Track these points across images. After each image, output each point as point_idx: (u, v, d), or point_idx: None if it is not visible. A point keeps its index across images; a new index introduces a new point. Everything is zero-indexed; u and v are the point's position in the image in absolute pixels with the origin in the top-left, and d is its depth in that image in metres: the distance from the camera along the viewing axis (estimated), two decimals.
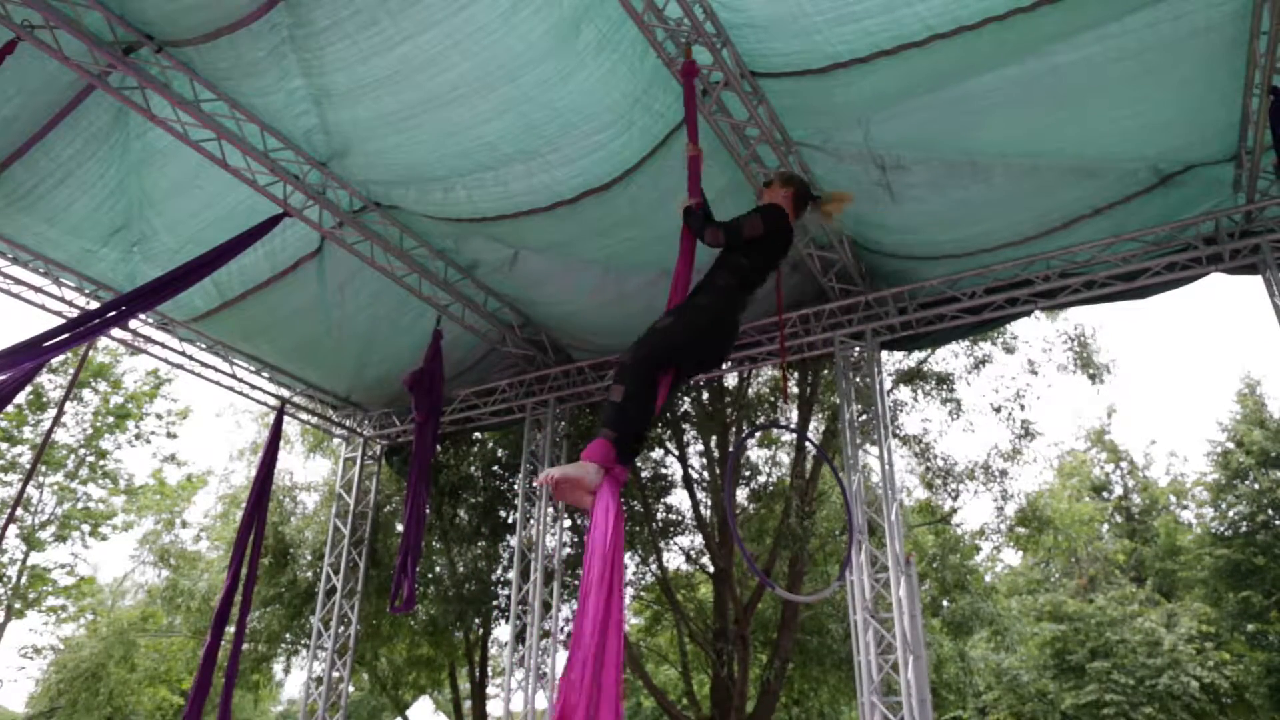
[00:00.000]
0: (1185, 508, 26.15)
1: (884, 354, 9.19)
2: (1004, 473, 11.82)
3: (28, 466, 15.67)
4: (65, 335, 6.82)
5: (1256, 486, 20.91)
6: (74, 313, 8.38)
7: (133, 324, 9.30)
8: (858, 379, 8.57)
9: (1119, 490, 26.38)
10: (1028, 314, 8.45)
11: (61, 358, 16.09)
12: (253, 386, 10.57)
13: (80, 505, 17.42)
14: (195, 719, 8.25)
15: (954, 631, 13.69)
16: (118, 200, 7.42)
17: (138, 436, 17.82)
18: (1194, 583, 22.97)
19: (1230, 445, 22.20)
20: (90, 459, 17.36)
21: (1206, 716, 18.45)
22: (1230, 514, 21.69)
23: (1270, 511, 19.93)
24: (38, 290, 8.46)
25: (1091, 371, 11.37)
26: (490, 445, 13.05)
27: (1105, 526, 24.75)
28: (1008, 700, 21.31)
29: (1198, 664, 17.86)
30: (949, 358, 11.88)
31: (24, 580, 16.66)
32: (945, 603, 14.12)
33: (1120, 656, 18.07)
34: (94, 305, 8.35)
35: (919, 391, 11.73)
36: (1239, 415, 22.47)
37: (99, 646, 18.20)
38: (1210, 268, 7.57)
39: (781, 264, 7.37)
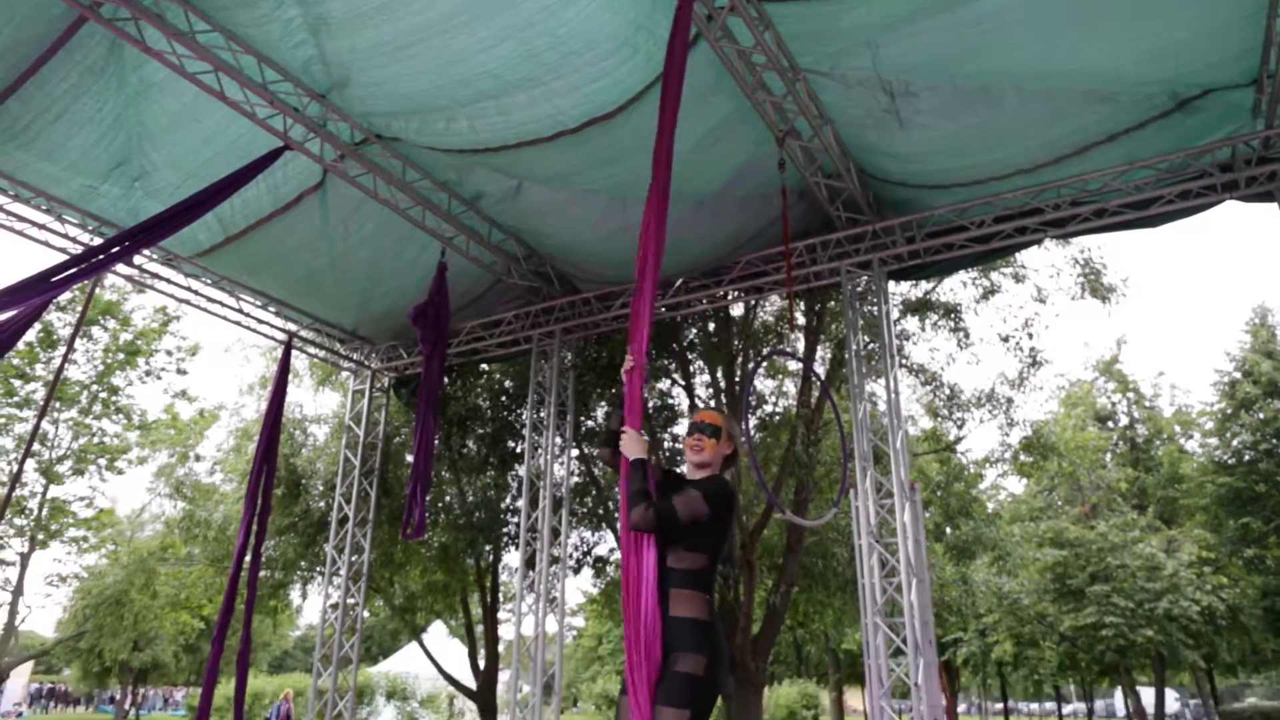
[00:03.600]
0: (1190, 437, 26.32)
1: (891, 284, 9.13)
2: (1010, 401, 11.87)
3: (42, 402, 15.85)
4: (71, 270, 6.82)
5: (1261, 416, 20.98)
6: (78, 249, 8.37)
7: (138, 260, 9.31)
8: (864, 308, 8.55)
9: (1124, 420, 26.52)
10: (1037, 243, 8.38)
11: (69, 295, 16.17)
12: (259, 321, 10.62)
13: (95, 440, 17.68)
14: (220, 641, 8.53)
15: (957, 556, 13.93)
16: (116, 135, 7.34)
17: (148, 373, 17.99)
18: (1195, 510, 23.26)
19: (1238, 375, 22.21)
20: (103, 395, 17.55)
21: (1202, 637, 18.88)
22: (1234, 443, 21.82)
23: (1274, 440, 20.05)
24: (41, 227, 8.44)
25: (1102, 294, 11.29)
26: (497, 376, 13.14)
27: (1109, 455, 24.96)
28: (1007, 622, 21.83)
29: (1196, 588, 18.19)
30: (957, 288, 11.83)
31: (45, 512, 17.01)
32: (949, 529, 14.33)
33: (1120, 581, 18.42)
34: (98, 241, 8.34)
35: (926, 322, 11.71)
36: (1248, 346, 22.42)
37: (121, 575, 18.71)
38: (1225, 195, 7.46)
39: (788, 194, 7.28)
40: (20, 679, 35.88)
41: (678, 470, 3.52)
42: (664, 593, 3.09)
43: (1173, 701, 47.35)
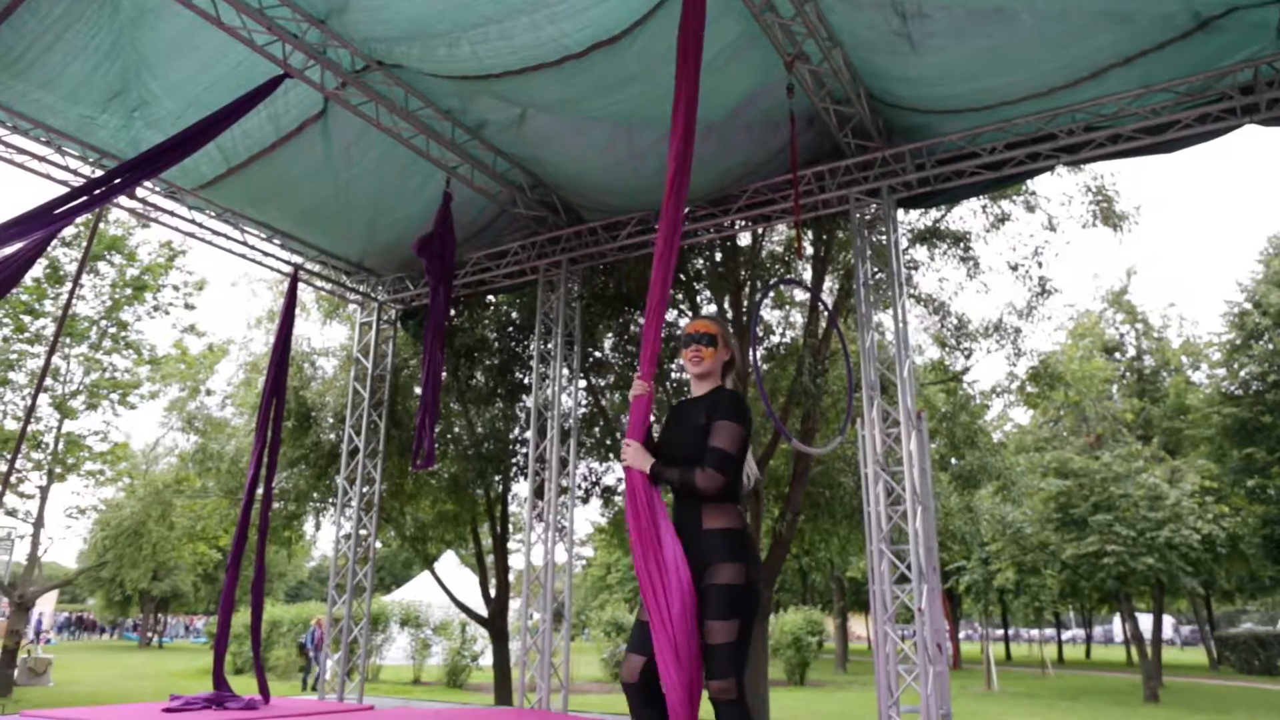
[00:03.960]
0: (1197, 368, 26.32)
1: (900, 213, 9.05)
2: (1018, 331, 11.83)
3: (51, 338, 15.94)
4: (74, 203, 6.79)
5: (1270, 346, 20.93)
6: (79, 182, 8.31)
7: (141, 193, 9.26)
8: (873, 237, 8.48)
9: (1131, 351, 26.48)
10: (1049, 169, 8.24)
11: (74, 230, 16.13)
12: (265, 254, 10.59)
13: (107, 375, 17.81)
14: (235, 571, 8.74)
15: (962, 485, 14.06)
16: (113, 63, 7.22)
17: (156, 308, 18.02)
18: (1200, 440, 23.40)
19: (1248, 306, 22.10)
20: (112, 330, 17.62)
21: (1201, 565, 19.15)
22: (1241, 374, 21.82)
23: None
24: (41, 160, 8.37)
25: (1114, 222, 11.16)
26: (504, 308, 13.14)
27: (1115, 387, 24.99)
28: (1010, 551, 22.16)
29: (1198, 517, 18.38)
30: (966, 216, 11.69)
31: (61, 446, 17.24)
32: (954, 460, 14.44)
33: (1123, 510, 18.61)
34: (99, 174, 8.27)
35: (934, 251, 11.61)
36: (1260, 276, 22.25)
37: (138, 507, 19.05)
38: (1245, 119, 7.29)
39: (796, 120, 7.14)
40: (46, 608, 36.91)
41: (686, 399, 3.49)
42: (696, 510, 3.15)
43: (1169, 627, 48.36)
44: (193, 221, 9.78)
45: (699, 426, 3.22)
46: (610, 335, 12.77)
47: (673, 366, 11.97)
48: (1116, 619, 47.03)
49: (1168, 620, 41.41)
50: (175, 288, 18.10)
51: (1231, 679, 24.52)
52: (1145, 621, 22.71)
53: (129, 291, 17.40)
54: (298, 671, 22.24)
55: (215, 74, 7.31)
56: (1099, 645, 51.44)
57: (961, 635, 43.89)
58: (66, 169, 8.47)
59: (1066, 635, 51.35)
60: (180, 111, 7.58)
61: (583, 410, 12.22)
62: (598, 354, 12.79)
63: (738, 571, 3.06)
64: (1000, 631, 41.64)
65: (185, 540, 20.35)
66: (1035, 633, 41.53)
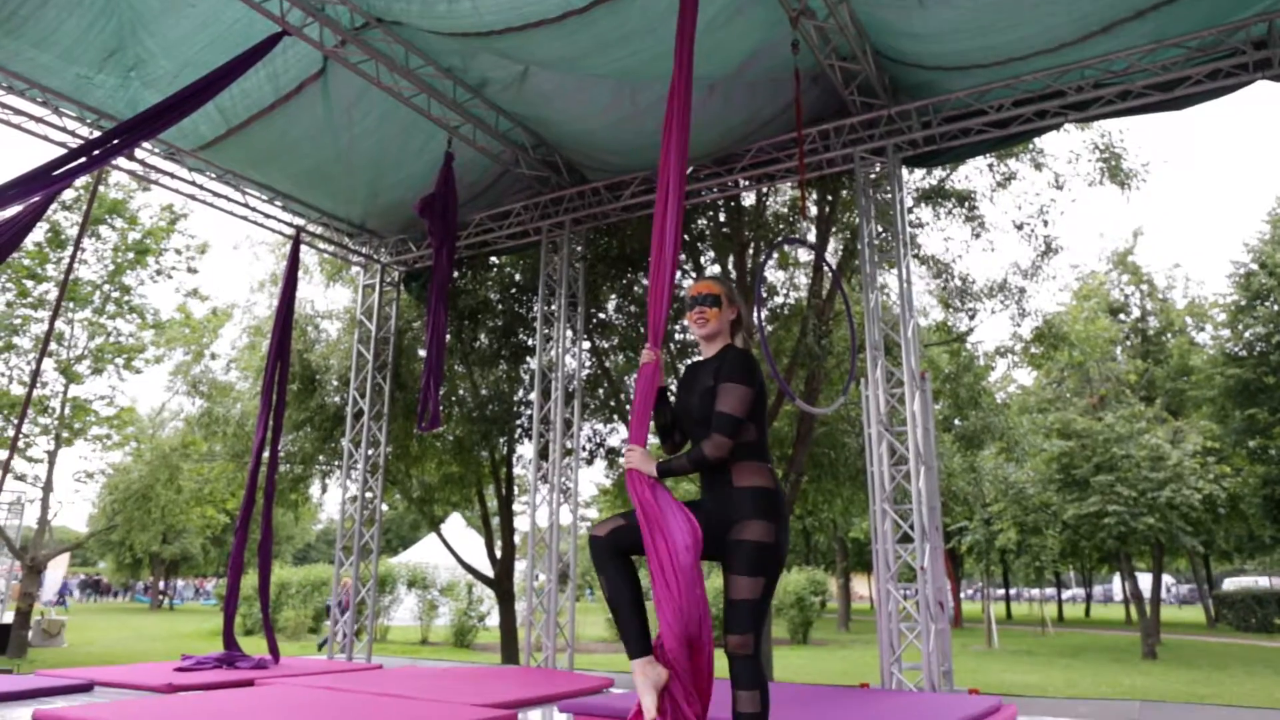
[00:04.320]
0: (1201, 329, 26.25)
1: (905, 172, 8.95)
2: (1022, 291, 11.78)
3: (54, 302, 15.93)
4: (73, 164, 6.74)
5: (1276, 308, 20.83)
6: (77, 143, 8.24)
7: (140, 154, 9.20)
8: (878, 196, 8.42)
9: (1136, 312, 26.40)
10: (1057, 127, 8.14)
11: (73, 194, 16.04)
12: (266, 216, 10.54)
13: (111, 340, 17.82)
14: (243, 534, 8.81)
15: (965, 446, 14.10)
16: (107, 21, 7.13)
17: (159, 272, 17.96)
18: (1202, 401, 23.41)
19: (1254, 267, 21.97)
20: (115, 295, 17.59)
21: (1201, 525, 19.26)
22: (1246, 335, 21.75)
23: None
24: (39, 120, 8.30)
25: (1121, 180, 11.05)
26: (508, 269, 13.10)
27: (1119, 348, 24.95)
28: (1012, 511, 22.29)
29: (1199, 477, 18.44)
30: (972, 174, 11.59)
31: (67, 411, 17.31)
32: (957, 420, 14.47)
33: (1124, 471, 18.67)
34: (97, 134, 8.20)
35: (940, 210, 11.53)
36: (1267, 236, 22.09)
37: (145, 471, 19.16)
38: (1257, 75, 7.18)
39: (800, 77, 7.06)
40: (58, 571, 37.34)
41: (696, 361, 3.47)
42: (725, 469, 3.16)
43: (1168, 586, 48.81)
44: (193, 183, 9.72)
45: (707, 389, 3.21)
46: (614, 296, 12.74)
47: (677, 328, 11.95)
48: (1116, 578, 47.45)
49: (1166, 579, 41.75)
50: (177, 251, 18.05)
51: (1229, 636, 24.80)
52: (1144, 581, 22.91)
53: (131, 255, 17.35)
54: (307, 633, 22.55)
55: (212, 32, 7.22)
56: (1098, 604, 51.95)
57: (963, 595, 44.33)
58: (64, 130, 8.40)
59: (1066, 595, 51.84)
60: (177, 71, 7.50)
61: (586, 372, 12.23)
62: (601, 315, 12.78)
63: (766, 530, 3.07)
64: (1001, 591, 42.05)
65: (193, 504, 20.48)
66: (1036, 592, 41.96)
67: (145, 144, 8.86)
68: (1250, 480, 21.02)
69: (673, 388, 3.57)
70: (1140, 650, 18.77)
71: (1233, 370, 21.30)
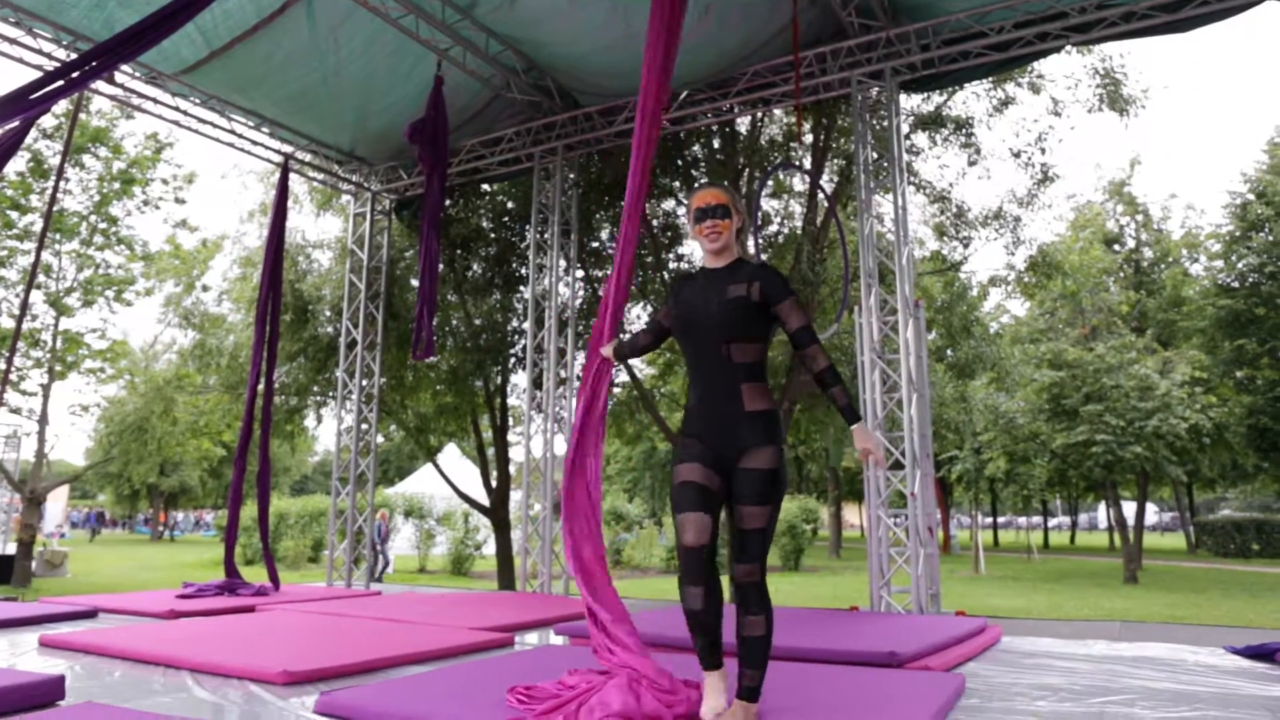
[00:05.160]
0: (1196, 260, 26.22)
1: (902, 98, 8.80)
2: (1018, 220, 11.72)
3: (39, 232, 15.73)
4: (50, 87, 6.56)
5: (1270, 238, 20.77)
6: (54, 66, 8.02)
7: (121, 80, 8.97)
8: (874, 122, 8.29)
9: (1131, 243, 26.32)
10: (1058, 50, 7.98)
11: (54, 120, 15.69)
12: (253, 143, 10.35)
13: (100, 272, 17.64)
14: (241, 465, 8.88)
15: (957, 375, 14.18)
16: None
17: (146, 202, 17.68)
18: (1193, 332, 23.51)
19: (1250, 197, 21.83)
20: (102, 226, 17.35)
21: (1187, 453, 19.52)
22: (1239, 265, 21.73)
23: (1279, 262, 19.93)
24: (13, 42, 8.05)
25: (1120, 106, 10.90)
26: (500, 197, 12.95)
27: (1112, 279, 24.94)
28: (1002, 440, 22.54)
29: (1186, 406, 18.61)
30: (970, 100, 11.41)
31: (59, 344, 17.24)
32: (950, 350, 14.52)
33: (1114, 400, 18.83)
34: (73, 57, 7.98)
35: (936, 137, 11.38)
36: (1265, 165, 21.90)
37: (140, 403, 19.18)
38: None
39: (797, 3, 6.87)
40: (58, 503, 37.66)
41: (704, 269, 3.30)
42: (734, 389, 3.06)
43: (1151, 514, 49.76)
44: (177, 109, 9.50)
45: (738, 301, 3.08)
46: (607, 224, 12.63)
47: (671, 257, 11.86)
48: (1101, 506, 48.31)
49: (1150, 507, 42.53)
50: (164, 181, 17.74)
51: (1208, 561, 25.38)
52: (1129, 509, 23.33)
53: (117, 185, 17.05)
54: (306, 562, 22.90)
55: None
56: (1084, 532, 53.01)
57: (952, 523, 45.18)
58: (39, 52, 8.16)
59: (1053, 523, 52.83)
60: None
61: (580, 300, 12.20)
62: (594, 243, 12.69)
63: (774, 455, 3.01)
64: (989, 519, 42.83)
65: (189, 436, 20.56)
66: (1023, 520, 42.74)
67: (125, 68, 8.64)
68: (1236, 410, 21.25)
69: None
70: (1122, 575, 19.19)
71: (1224, 301, 21.35)
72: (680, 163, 11.88)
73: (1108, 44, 9.76)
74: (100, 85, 8.60)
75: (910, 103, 11.30)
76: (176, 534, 48.18)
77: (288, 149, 10.65)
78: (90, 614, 6.71)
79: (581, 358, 13.04)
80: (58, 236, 16.72)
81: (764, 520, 2.97)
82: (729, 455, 3.03)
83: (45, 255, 16.46)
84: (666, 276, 11.94)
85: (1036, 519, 44.20)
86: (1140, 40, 7.79)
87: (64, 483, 21.10)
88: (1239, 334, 21.61)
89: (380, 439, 16.75)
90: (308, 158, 11.06)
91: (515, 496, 17.04)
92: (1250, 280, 21.72)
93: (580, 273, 12.00)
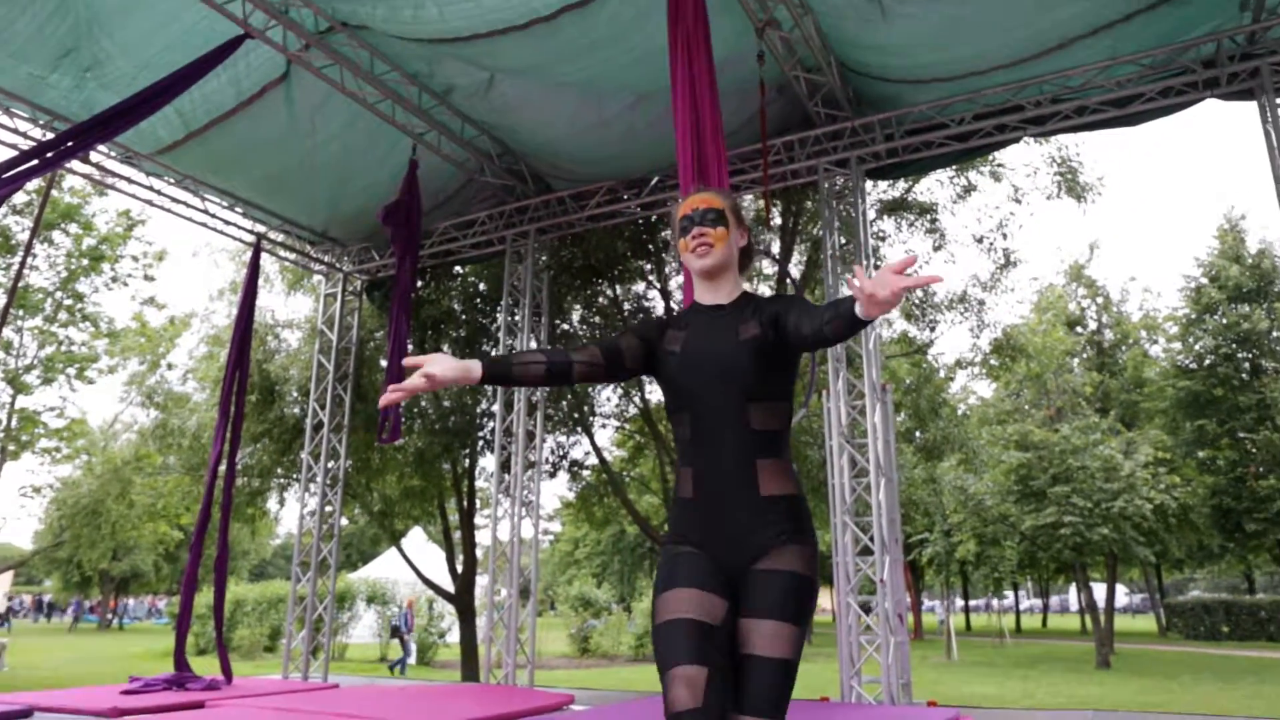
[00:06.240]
0: (1155, 342, 26.83)
1: (868, 184, 9.05)
2: (982, 303, 11.98)
3: (1, 309, 15.52)
4: (24, 166, 6.57)
5: (1224, 321, 21.33)
6: (29, 145, 8.04)
7: (96, 158, 8.99)
8: (841, 208, 8.49)
9: (1092, 325, 26.92)
10: (1017, 140, 8.30)
11: (24, 197, 15.64)
12: (226, 222, 10.36)
13: (63, 349, 17.38)
14: (198, 549, 8.61)
15: (925, 457, 14.24)
16: (62, 19, 6.97)
17: (114, 279, 17.58)
18: (1155, 413, 23.89)
19: (1204, 281, 22.50)
20: (67, 302, 17.18)
21: (1154, 534, 19.61)
22: (1196, 347, 22.22)
23: (1234, 345, 20.44)
24: None
25: (1078, 193, 11.31)
26: (471, 279, 13.01)
27: (1076, 360, 25.41)
28: (972, 522, 22.50)
29: (1151, 487, 18.79)
30: (934, 187, 11.77)
31: (14, 423, 16.83)
32: (918, 432, 14.62)
33: (1080, 481, 18.94)
34: (50, 136, 8.01)
35: (902, 222, 11.69)
36: (1217, 251, 22.65)
37: (95, 485, 18.70)
38: (1206, 93, 7.40)
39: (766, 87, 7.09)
40: (1, 589, 36.19)
41: (700, 307, 2.34)
42: (747, 468, 2.14)
43: (1122, 596, 49.75)
44: (150, 188, 9.53)
45: (756, 344, 2.16)
46: (578, 307, 12.71)
47: (623, 297, 11.60)
48: (1072, 588, 48.19)
49: (1120, 589, 42.50)
50: (134, 258, 17.67)
51: (1179, 644, 25.28)
52: (1099, 591, 23.27)
53: (85, 262, 16.95)
54: (262, 652, 22.07)
55: (172, 33, 7.09)
56: (1055, 614, 52.74)
57: (924, 606, 44.73)
58: (15, 131, 8.19)
59: (1024, 605, 52.54)
60: (135, 73, 7.36)
61: None
62: (565, 326, 12.73)
63: (805, 556, 2.12)
64: (961, 602, 42.49)
65: (145, 519, 20.02)
66: (995, 603, 42.47)
67: (101, 147, 8.66)
68: (1200, 490, 21.47)
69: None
70: (1095, 660, 19.01)
71: (1184, 382, 21.78)
72: (650, 246, 12.05)
73: (1064, 135, 10.16)
74: (75, 164, 8.61)
75: (876, 189, 11.63)
76: (126, 622, 46.34)
77: (260, 229, 10.67)
78: (25, 714, 6.35)
79: (551, 441, 12.96)
80: (21, 312, 16.50)
81: (788, 647, 2.00)
82: (739, 563, 2.11)
83: (6, 331, 16.20)
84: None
85: (1008, 601, 43.93)
86: (1094, 132, 8.14)
87: (9, 568, 20.38)
88: (1199, 415, 21.98)
89: (344, 522, 16.39)
90: (280, 237, 11.08)
91: (481, 582, 16.66)
92: (1207, 362, 22.21)
93: None
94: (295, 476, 13.26)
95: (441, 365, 2.08)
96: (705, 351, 2.21)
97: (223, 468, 8.73)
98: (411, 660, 18.42)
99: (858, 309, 1.84)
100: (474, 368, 2.11)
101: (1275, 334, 20.28)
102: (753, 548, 2.10)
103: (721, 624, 2.01)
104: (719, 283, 2.33)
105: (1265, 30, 6.95)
